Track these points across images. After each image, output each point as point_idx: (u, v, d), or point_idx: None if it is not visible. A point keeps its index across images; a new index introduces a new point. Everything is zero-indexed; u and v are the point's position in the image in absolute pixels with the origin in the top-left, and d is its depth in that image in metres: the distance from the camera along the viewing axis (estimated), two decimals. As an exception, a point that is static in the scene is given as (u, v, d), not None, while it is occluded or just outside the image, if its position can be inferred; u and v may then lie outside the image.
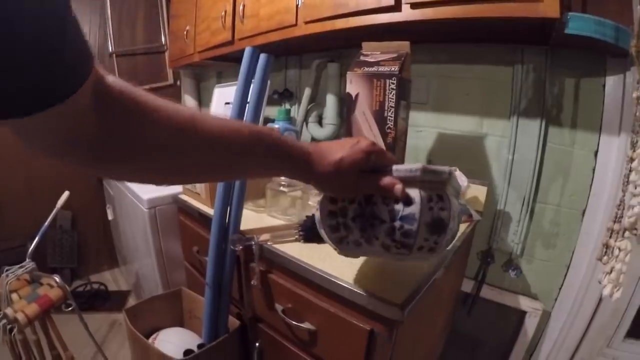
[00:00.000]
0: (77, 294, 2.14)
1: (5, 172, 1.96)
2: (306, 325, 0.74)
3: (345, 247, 0.55)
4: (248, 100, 0.82)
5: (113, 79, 0.34)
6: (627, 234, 0.77)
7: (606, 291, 0.80)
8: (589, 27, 0.75)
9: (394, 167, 0.50)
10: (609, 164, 0.97)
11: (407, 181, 0.49)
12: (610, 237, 0.86)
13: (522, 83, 1.06)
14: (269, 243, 0.78)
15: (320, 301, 0.72)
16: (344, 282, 0.65)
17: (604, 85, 0.95)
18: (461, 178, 0.95)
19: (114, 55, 2.21)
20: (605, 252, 0.87)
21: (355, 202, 0.52)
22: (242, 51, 0.89)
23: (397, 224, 0.49)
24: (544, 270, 1.13)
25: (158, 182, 0.44)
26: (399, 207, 0.49)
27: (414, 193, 0.48)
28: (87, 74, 0.30)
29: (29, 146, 0.32)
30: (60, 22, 0.26)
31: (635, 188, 0.75)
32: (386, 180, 0.49)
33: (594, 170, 1.00)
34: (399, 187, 0.48)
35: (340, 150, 0.49)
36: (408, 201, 0.48)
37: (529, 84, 1.05)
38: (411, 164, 0.49)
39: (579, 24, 0.75)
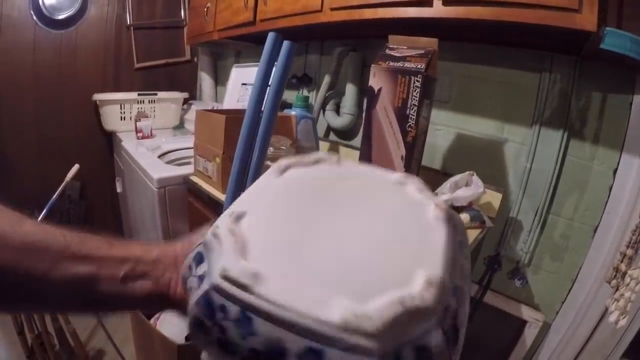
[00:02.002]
0: (80, 264, 2.16)
1: (16, 136, 1.97)
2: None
3: None
4: (269, 84, 0.80)
5: None
6: (640, 263, 0.76)
7: (612, 318, 0.79)
8: (624, 45, 0.73)
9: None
10: (627, 184, 0.94)
11: None
12: (622, 261, 0.85)
13: (548, 92, 1.03)
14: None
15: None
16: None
17: (631, 103, 0.92)
18: (477, 184, 0.93)
19: (132, 28, 2.18)
20: (615, 275, 0.86)
21: None
22: (262, 32, 0.87)
23: None
24: (549, 282, 1.12)
25: None
26: None
27: None
28: None
29: None
30: None
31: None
32: None
33: (610, 188, 0.97)
34: None
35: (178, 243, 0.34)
36: None
37: (554, 94, 1.02)
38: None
39: (615, 40, 0.72)
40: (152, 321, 0.99)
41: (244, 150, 0.75)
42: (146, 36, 2.25)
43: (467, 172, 0.96)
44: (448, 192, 0.94)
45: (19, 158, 1.97)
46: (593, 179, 1.00)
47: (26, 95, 1.94)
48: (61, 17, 1.95)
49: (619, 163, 0.96)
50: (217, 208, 0.94)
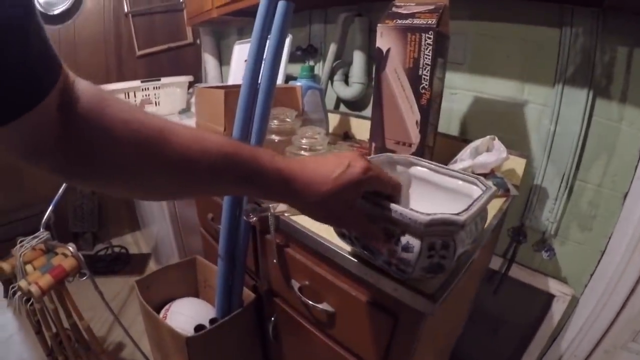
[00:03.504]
0: (98, 258, 2.17)
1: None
2: (324, 306, 0.69)
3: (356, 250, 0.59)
4: (264, 58, 0.74)
5: (82, 87, 0.33)
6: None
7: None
8: (650, -11, 0.65)
9: (397, 210, 0.45)
10: (659, 146, 0.86)
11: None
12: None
13: (569, 47, 0.94)
14: (286, 214, 0.73)
15: (341, 282, 0.66)
16: (368, 264, 0.59)
17: (659, 58, 0.83)
18: (500, 149, 0.87)
19: (130, 15, 2.13)
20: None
21: None
22: (262, 5, 0.82)
23: (394, 260, 0.48)
24: (576, 254, 1.05)
25: (123, 196, 0.42)
26: (397, 247, 0.47)
27: (414, 242, 0.45)
28: (51, 84, 0.28)
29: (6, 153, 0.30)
30: (21, 28, 0.24)
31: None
32: (375, 232, 0.48)
33: (640, 151, 0.89)
34: (383, 250, 0.48)
35: (326, 180, 0.44)
36: (406, 248, 0.46)
37: (577, 49, 0.93)
38: (418, 213, 0.43)
39: (639, -15, 0.64)
40: (162, 313, 0.96)
41: (243, 121, 0.70)
42: (146, 22, 2.20)
43: (488, 137, 0.89)
44: (468, 158, 0.87)
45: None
46: (622, 141, 0.92)
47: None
48: (57, 12, 1.91)
49: (650, 123, 0.87)
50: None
